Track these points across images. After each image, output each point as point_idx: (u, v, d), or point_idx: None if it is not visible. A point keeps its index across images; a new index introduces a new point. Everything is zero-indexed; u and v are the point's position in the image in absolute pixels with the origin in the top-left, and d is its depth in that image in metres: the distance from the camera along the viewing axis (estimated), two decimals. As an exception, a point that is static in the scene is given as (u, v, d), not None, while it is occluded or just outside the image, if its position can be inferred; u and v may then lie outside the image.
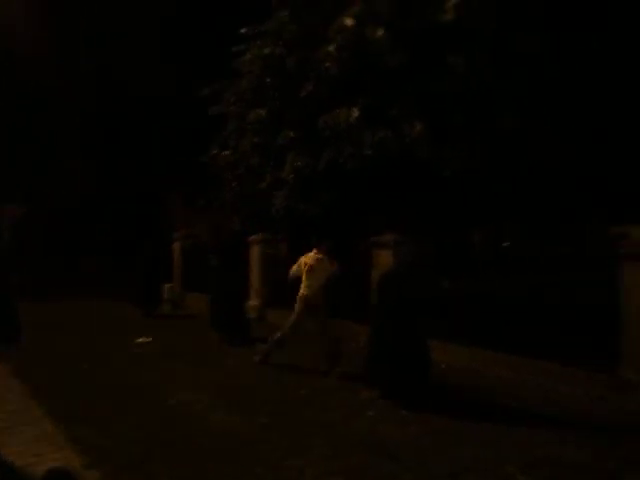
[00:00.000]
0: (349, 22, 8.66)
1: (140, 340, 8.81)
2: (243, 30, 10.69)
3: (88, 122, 19.89)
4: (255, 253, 11.77)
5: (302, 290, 7.02)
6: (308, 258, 7.05)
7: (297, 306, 7.08)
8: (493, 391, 5.92)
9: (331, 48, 8.78)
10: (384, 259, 8.03)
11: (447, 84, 8.45)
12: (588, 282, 6.73)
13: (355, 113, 8.63)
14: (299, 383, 6.34)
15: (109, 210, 20.77)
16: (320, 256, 7.01)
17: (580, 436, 4.59)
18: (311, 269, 6.95)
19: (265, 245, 11.65)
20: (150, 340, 8.87)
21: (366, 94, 9.00)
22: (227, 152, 11.47)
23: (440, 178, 8.50)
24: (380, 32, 8.57)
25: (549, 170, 10.85)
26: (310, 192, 9.55)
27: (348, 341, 8.04)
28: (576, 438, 4.53)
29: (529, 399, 5.65)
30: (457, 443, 4.44)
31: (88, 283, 16.25)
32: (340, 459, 4.15)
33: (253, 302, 11.44)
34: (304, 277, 7.01)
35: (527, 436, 4.56)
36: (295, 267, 7.18)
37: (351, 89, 9.18)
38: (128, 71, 18.71)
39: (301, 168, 9.39)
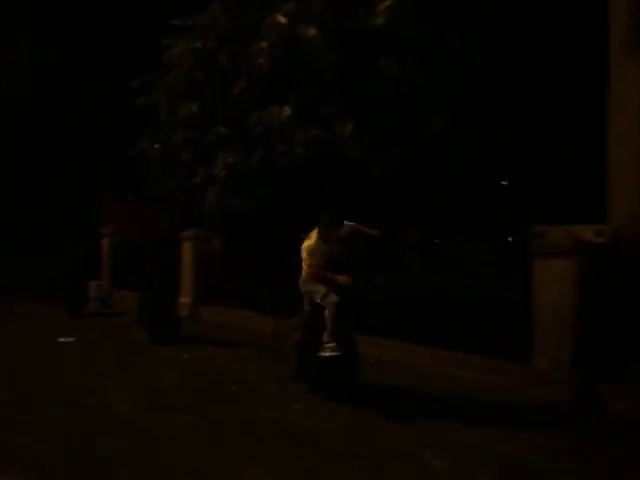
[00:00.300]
0: (282, 19, 8.68)
1: (62, 340, 8.51)
2: (174, 22, 10.47)
3: (10, 116, 18.87)
4: (187, 249, 11.61)
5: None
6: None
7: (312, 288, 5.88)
8: (418, 383, 6.14)
9: (264, 44, 8.78)
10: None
11: (379, 86, 8.66)
12: (510, 279, 7.10)
13: (287, 111, 8.67)
14: (227, 379, 6.34)
15: (36, 207, 19.84)
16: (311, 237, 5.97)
17: (494, 422, 4.87)
18: (310, 252, 5.91)
19: (197, 241, 11.51)
20: (73, 340, 8.58)
21: (299, 92, 9.07)
22: (157, 146, 11.22)
23: (370, 178, 8.70)
24: (312, 31, 8.65)
25: (478, 172, 11.35)
26: (243, 188, 9.51)
27: (282, 337, 8.11)
28: (490, 424, 4.80)
29: (451, 390, 5.91)
30: (380, 433, 4.60)
31: (12, 283, 15.46)
32: (262, 452, 4.21)
33: (185, 299, 11.29)
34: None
35: (446, 424, 4.78)
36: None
37: (284, 86, 9.22)
38: (57, 64, 17.92)
39: (233, 164, 9.34)
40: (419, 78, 8.46)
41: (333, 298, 5.64)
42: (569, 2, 15.63)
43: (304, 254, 5.91)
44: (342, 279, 5.67)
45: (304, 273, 5.96)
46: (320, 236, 5.90)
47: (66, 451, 4.22)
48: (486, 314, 6.39)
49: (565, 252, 5.58)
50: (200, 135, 10.12)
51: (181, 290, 11.25)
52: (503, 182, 18.21)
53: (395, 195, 9.46)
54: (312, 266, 5.83)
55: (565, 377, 5.57)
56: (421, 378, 6.31)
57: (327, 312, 5.63)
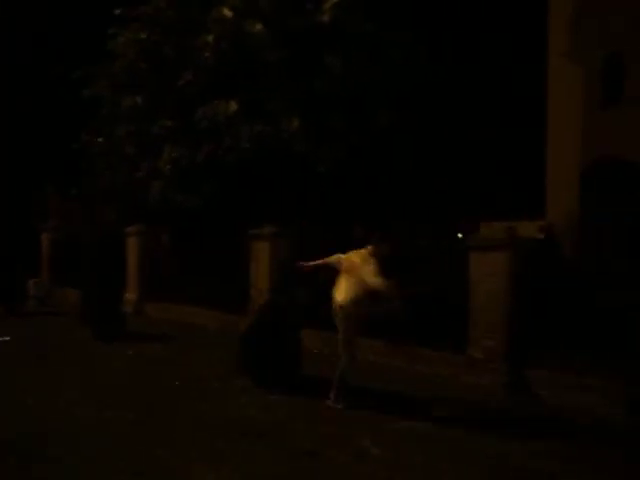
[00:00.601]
0: (228, 13, 8.66)
1: (-3, 338, 8.21)
2: (117, 11, 10.25)
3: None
4: (132, 245, 11.39)
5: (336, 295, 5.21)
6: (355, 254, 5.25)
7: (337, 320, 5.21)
8: (358, 374, 6.28)
9: (209, 38, 8.73)
10: (262, 252, 8.17)
11: (325, 82, 8.78)
12: (452, 272, 7.34)
13: (233, 106, 8.67)
14: (173, 375, 6.30)
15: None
16: (365, 251, 5.20)
17: (429, 409, 5.06)
18: (351, 267, 5.13)
19: (142, 237, 11.31)
20: (8, 339, 8.29)
21: (245, 87, 9.07)
22: (100, 139, 10.97)
23: (316, 173, 8.82)
24: (259, 26, 8.67)
25: (424, 168, 11.64)
26: (188, 183, 9.44)
27: (228, 332, 8.12)
28: (427, 411, 4.99)
29: (390, 379, 6.08)
30: (321, 422, 4.71)
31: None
32: (207, 445, 4.23)
33: (130, 295, 11.08)
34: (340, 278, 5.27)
35: (384, 412, 4.94)
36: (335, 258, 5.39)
37: (230, 81, 9.20)
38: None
39: (179, 159, 9.26)
40: (364, 75, 8.63)
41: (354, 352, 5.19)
42: (512, 6, 16.22)
43: (365, 264, 4.98)
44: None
45: (357, 287, 5.01)
46: (373, 254, 5.11)
47: (2, 451, 4.11)
48: (426, 307, 6.59)
49: (499, 246, 5.85)
50: (144, 128, 9.97)
51: (126, 286, 11.05)
52: (451, 179, 18.72)
53: (342, 190, 9.62)
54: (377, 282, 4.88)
55: (498, 366, 5.84)
56: (361, 369, 6.47)
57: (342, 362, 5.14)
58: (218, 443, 4.32)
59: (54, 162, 16.85)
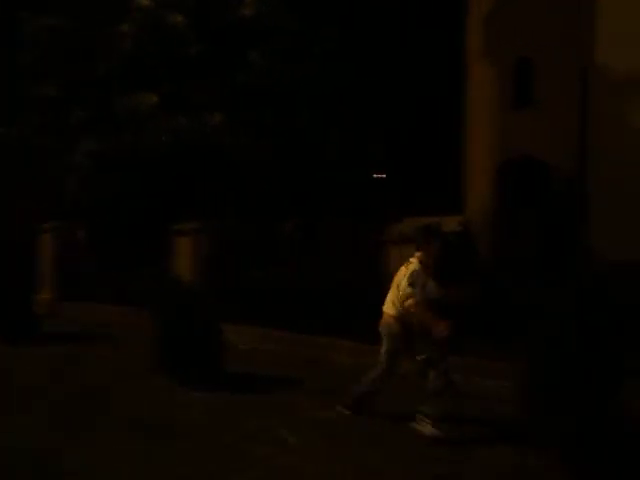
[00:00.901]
0: (145, 1, 8.42)
1: None
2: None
3: None
4: (46, 242, 10.83)
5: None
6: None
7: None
8: (277, 366, 6.34)
9: (126, 27, 8.46)
10: (185, 247, 8.05)
11: (248, 77, 8.74)
12: (371, 266, 7.53)
13: (154, 99, 8.46)
14: (88, 375, 6.09)
15: None
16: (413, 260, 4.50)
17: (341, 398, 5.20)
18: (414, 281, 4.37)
19: (57, 233, 10.77)
20: None
21: (166, 80, 8.87)
22: (12, 129, 10.36)
23: (239, 167, 8.78)
24: (180, 18, 8.50)
25: (350, 164, 11.82)
26: (107, 177, 9.12)
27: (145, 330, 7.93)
28: (339, 400, 5.13)
29: (309, 371, 6.17)
30: (242, 416, 4.72)
31: None
32: (126, 446, 4.13)
33: (44, 295, 10.54)
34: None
35: (301, 403, 5.02)
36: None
37: (151, 73, 8.97)
38: None
39: (96, 151, 8.92)
40: (286, 70, 8.67)
41: (394, 367, 4.51)
42: (431, 11, 16.78)
43: (404, 284, 4.32)
44: (438, 329, 4.11)
45: (395, 309, 4.43)
46: (426, 260, 4.38)
47: None
48: (345, 299, 6.74)
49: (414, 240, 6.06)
50: (59, 119, 9.52)
51: (40, 285, 10.50)
52: (377, 175, 19.16)
53: (267, 185, 9.63)
54: (417, 304, 4.21)
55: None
56: (280, 362, 6.53)
57: (374, 372, 4.52)
58: (135, 443, 4.23)
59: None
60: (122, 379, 6.03)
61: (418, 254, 4.44)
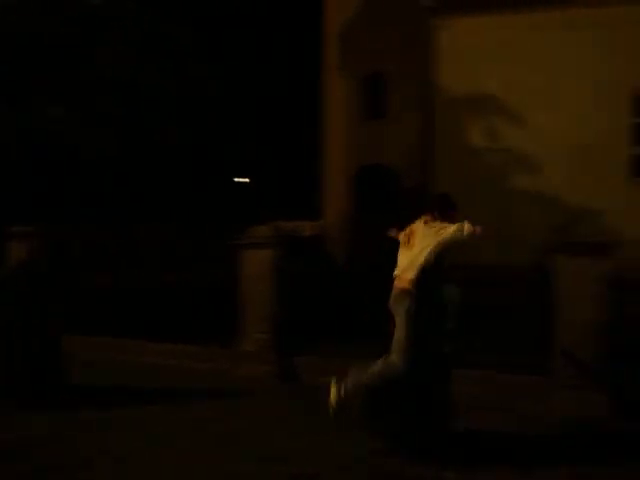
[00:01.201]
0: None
1: None
2: None
3: None
4: None
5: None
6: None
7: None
8: (132, 378, 6.06)
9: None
10: (15, 251, 7.43)
11: (94, 72, 8.24)
12: (229, 271, 7.52)
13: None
14: None
15: None
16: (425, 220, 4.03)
17: (204, 401, 5.14)
18: (407, 241, 4.01)
19: None
20: None
21: (5, 80, 8.08)
22: None
23: (86, 166, 8.28)
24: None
25: (210, 168, 11.61)
26: None
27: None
28: (200, 403, 5.07)
29: (165, 381, 5.98)
30: (92, 435, 4.42)
31: None
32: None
33: None
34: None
35: (155, 413, 4.86)
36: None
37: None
38: None
39: None
40: (136, 65, 8.34)
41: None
42: (291, 13, 17.18)
43: (448, 231, 3.80)
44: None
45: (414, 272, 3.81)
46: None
47: None
48: (199, 304, 6.68)
49: (265, 244, 6.18)
50: None
51: None
52: (240, 179, 19.14)
53: (114, 186, 9.15)
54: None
55: (268, 356, 6.18)
56: (134, 372, 6.26)
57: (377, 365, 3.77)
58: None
59: None
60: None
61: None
